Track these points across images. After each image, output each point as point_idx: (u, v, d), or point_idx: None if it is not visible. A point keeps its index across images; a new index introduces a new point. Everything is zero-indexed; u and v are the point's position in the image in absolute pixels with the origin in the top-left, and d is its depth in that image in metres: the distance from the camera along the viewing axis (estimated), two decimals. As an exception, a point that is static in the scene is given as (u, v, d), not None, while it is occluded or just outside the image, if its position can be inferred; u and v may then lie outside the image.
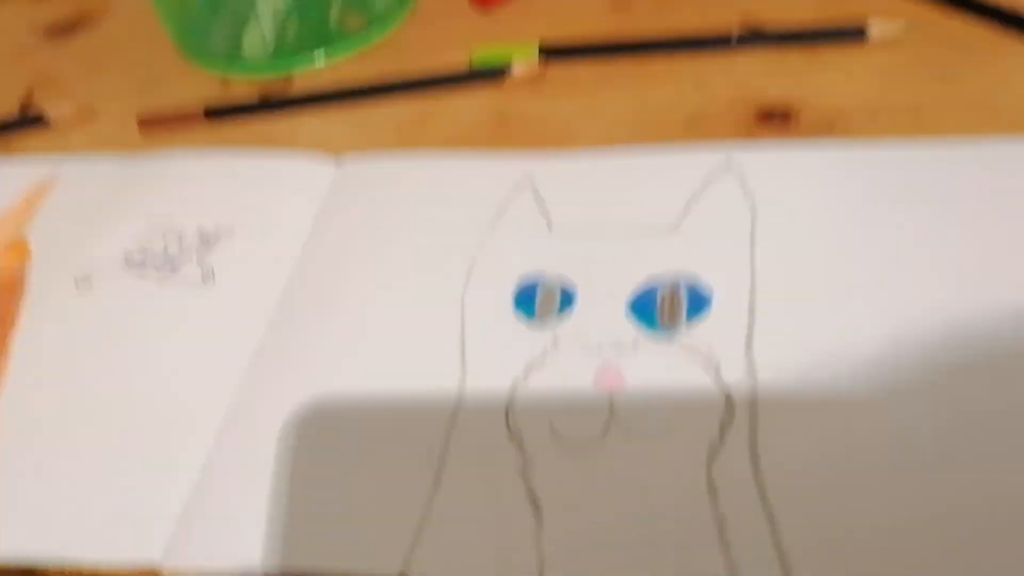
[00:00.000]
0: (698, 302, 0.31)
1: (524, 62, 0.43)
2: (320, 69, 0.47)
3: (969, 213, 0.32)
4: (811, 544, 0.25)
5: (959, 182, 0.34)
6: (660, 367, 0.30)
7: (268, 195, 0.39)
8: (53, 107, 0.47)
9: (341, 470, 0.29)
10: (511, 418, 0.30)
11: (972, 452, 0.26)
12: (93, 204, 0.40)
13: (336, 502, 0.29)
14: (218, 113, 0.44)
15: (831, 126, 0.38)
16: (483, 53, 0.45)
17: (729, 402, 0.29)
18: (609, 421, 0.29)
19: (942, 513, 0.25)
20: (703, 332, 0.31)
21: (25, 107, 0.49)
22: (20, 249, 0.39)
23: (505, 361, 0.31)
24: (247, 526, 0.29)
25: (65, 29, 0.55)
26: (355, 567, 0.27)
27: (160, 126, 0.45)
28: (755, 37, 0.42)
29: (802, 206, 0.34)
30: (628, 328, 0.31)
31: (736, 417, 0.28)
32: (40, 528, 0.30)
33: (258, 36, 0.47)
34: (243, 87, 0.47)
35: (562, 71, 0.44)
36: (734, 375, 0.29)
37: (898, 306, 0.30)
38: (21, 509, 0.30)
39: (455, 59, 0.45)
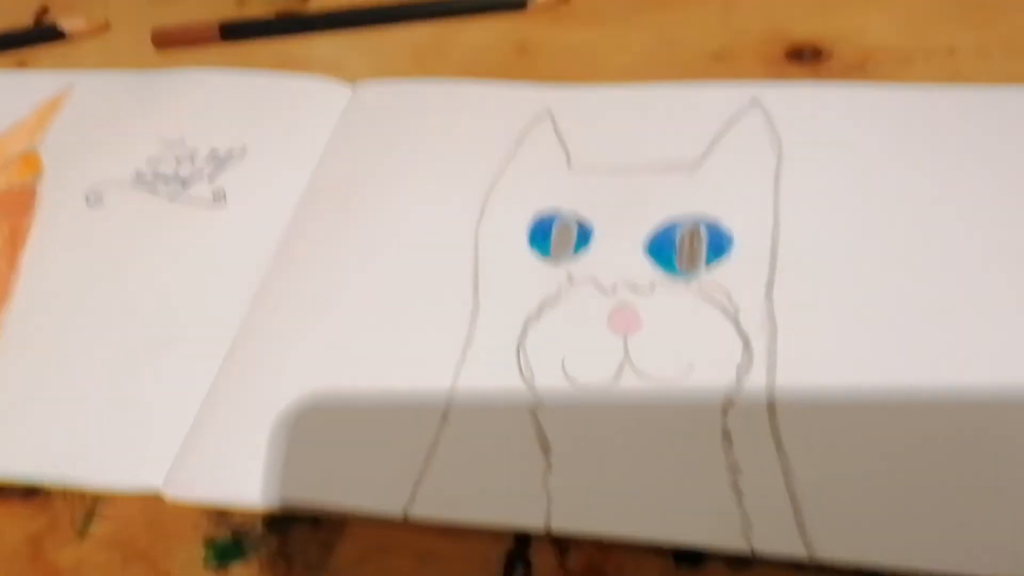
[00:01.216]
0: (718, 245, 0.31)
1: (549, -11, 0.42)
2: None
3: (1001, 160, 0.32)
4: (825, 496, 0.25)
5: (992, 128, 0.33)
6: (677, 310, 0.29)
7: (281, 117, 0.39)
8: (68, 21, 0.46)
9: (347, 403, 0.29)
10: (522, 356, 0.29)
11: (987, 411, 0.26)
12: (105, 120, 0.40)
13: (341, 436, 0.28)
14: (233, 31, 0.43)
15: (863, 67, 0.36)
16: (507, -22, 0.43)
17: (747, 349, 0.28)
18: (623, 363, 0.28)
19: (956, 467, 0.25)
20: (722, 276, 0.30)
21: (39, 20, 0.48)
22: (32, 162, 0.38)
23: (518, 298, 0.31)
24: (250, 457, 0.28)
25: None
26: (359, 504, 0.27)
27: (175, 43, 0.44)
28: (790, -30, 0.41)
29: (830, 148, 0.33)
30: (645, 269, 0.30)
31: (754, 364, 0.28)
32: (44, 447, 0.30)
33: (275, -48, 0.45)
34: (259, 6, 0.46)
35: (586, 0, 0.42)
36: (753, 322, 0.29)
37: (922, 259, 0.29)
38: (26, 427, 0.30)
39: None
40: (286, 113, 0.39)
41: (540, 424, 0.28)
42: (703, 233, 0.31)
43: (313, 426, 0.29)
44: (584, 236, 0.32)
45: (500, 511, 0.26)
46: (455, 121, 0.37)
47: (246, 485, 0.28)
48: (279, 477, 0.28)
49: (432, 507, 0.27)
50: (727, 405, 0.27)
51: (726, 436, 0.26)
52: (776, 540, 0.24)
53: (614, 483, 0.26)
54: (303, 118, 0.38)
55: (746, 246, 0.31)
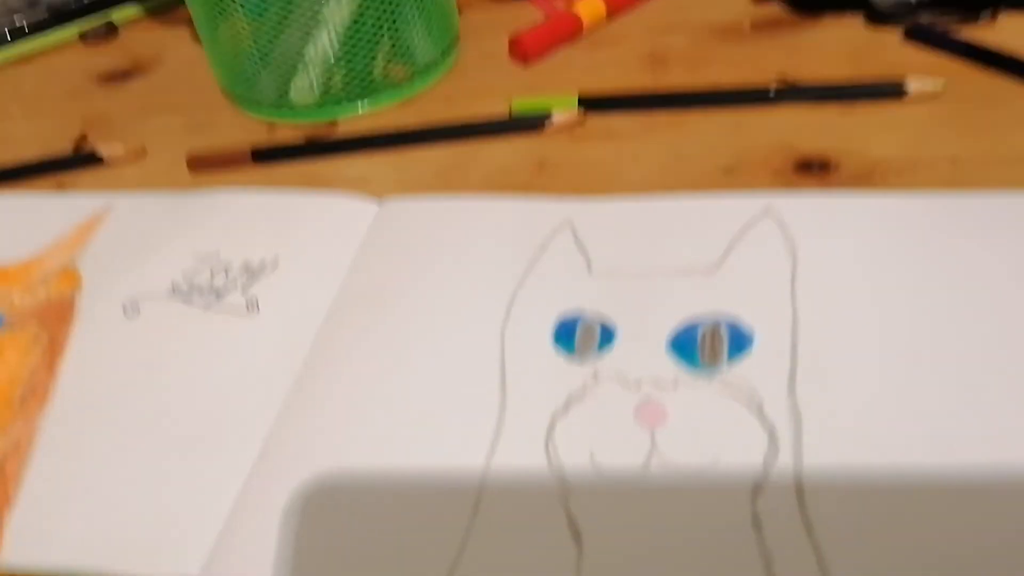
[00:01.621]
0: (740, 341, 0.32)
1: (564, 111, 0.44)
2: (363, 116, 0.48)
3: (1008, 263, 0.33)
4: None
5: (997, 232, 0.34)
6: (702, 404, 0.30)
7: (311, 231, 0.40)
8: (106, 147, 0.48)
9: (379, 496, 0.29)
10: (551, 448, 0.30)
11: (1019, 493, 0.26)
12: (142, 237, 0.41)
13: (373, 529, 0.28)
14: (265, 155, 0.46)
15: (869, 177, 0.38)
16: (523, 103, 0.46)
17: (773, 439, 0.29)
18: (651, 453, 0.29)
19: (992, 554, 0.25)
20: (745, 371, 0.31)
21: (79, 147, 0.50)
22: (71, 277, 0.40)
23: (545, 394, 0.31)
24: (284, 554, 0.28)
25: (119, 76, 0.57)
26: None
27: (209, 166, 0.46)
28: (794, 92, 0.43)
29: (842, 252, 0.34)
30: (669, 365, 0.31)
31: (780, 452, 0.28)
32: (79, 542, 0.30)
33: (305, 84, 0.48)
34: (289, 132, 0.48)
35: (600, 122, 0.45)
36: (778, 413, 0.29)
37: (937, 348, 0.30)
38: (62, 523, 0.30)
39: (495, 110, 0.46)
40: (316, 227, 0.40)
41: (571, 513, 0.28)
42: (724, 330, 0.32)
43: (345, 519, 0.29)
44: (607, 336, 0.33)
45: (533, 603, 0.26)
46: (479, 233, 0.39)
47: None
48: (313, 572, 0.28)
49: (464, 603, 0.27)
50: (756, 491, 0.27)
51: (756, 522, 0.27)
52: (814, 628, 0.24)
53: (646, 571, 0.26)
54: (332, 232, 0.40)
55: (767, 342, 0.32)
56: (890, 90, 0.42)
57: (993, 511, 0.26)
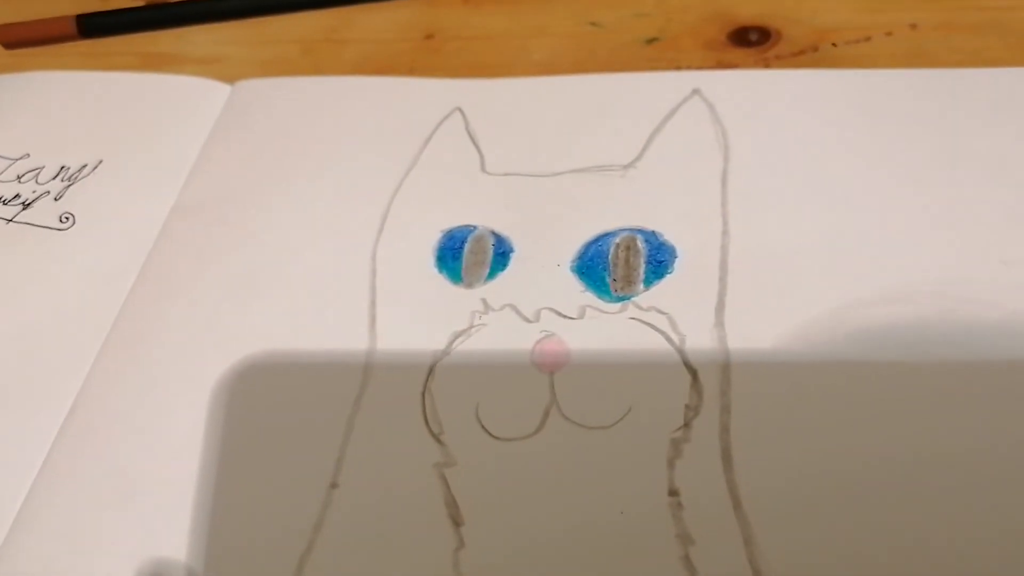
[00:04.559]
0: (659, 260, 0.26)
1: (458, -30, 0.37)
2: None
3: (977, 154, 0.27)
4: (797, 570, 0.20)
5: (962, 115, 0.29)
6: (612, 341, 0.24)
7: (145, 124, 0.33)
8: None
9: (213, 473, 0.24)
10: (428, 403, 0.24)
11: (966, 453, 0.21)
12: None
13: (206, 514, 0.23)
14: (94, 26, 0.37)
15: (816, 49, 0.32)
16: (411, -40, 0.38)
17: (696, 385, 0.23)
18: (549, 408, 0.23)
19: (937, 527, 0.20)
20: (664, 298, 0.25)
21: None
22: None
23: (423, 332, 0.25)
24: (95, 544, 0.23)
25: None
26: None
27: (24, 40, 0.38)
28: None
29: (782, 143, 0.29)
30: (574, 292, 0.26)
31: (704, 404, 0.23)
32: None
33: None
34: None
35: (503, -17, 0.37)
36: (702, 352, 0.24)
37: (893, 266, 0.25)
38: None
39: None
40: (151, 119, 0.33)
41: (450, 489, 0.22)
42: (641, 247, 0.26)
43: (168, 504, 0.23)
44: (502, 254, 0.27)
45: (401, 602, 0.21)
46: (350, 122, 0.32)
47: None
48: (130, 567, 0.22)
49: (316, 601, 0.21)
50: (674, 456, 0.22)
51: (674, 496, 0.21)
52: (740, 629, 0.20)
53: (541, 560, 0.21)
54: (172, 124, 0.33)
55: (691, 261, 0.26)
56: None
57: (951, 478, 0.21)
